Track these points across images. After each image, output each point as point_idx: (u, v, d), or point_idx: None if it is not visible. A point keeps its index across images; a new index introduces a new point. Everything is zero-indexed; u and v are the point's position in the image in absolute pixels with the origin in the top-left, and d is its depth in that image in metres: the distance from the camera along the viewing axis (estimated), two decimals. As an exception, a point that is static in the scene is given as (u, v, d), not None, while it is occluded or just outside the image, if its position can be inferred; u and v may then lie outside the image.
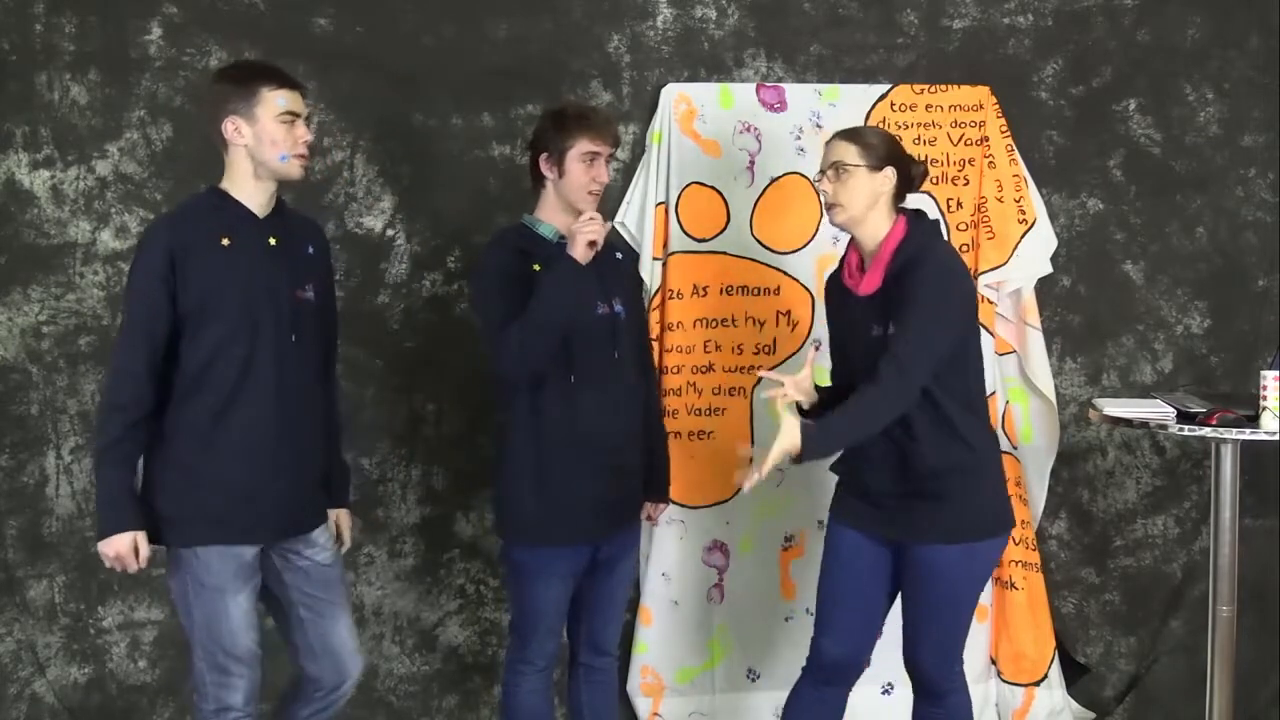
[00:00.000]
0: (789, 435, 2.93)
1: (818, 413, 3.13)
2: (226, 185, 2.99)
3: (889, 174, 3.08)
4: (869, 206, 3.08)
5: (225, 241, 2.91)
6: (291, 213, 3.12)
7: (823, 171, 3.12)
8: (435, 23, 3.95)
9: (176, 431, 2.91)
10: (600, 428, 3.24)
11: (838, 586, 3.20)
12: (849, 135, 3.14)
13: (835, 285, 3.25)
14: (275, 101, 2.93)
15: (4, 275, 3.79)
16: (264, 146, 2.93)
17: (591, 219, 3.15)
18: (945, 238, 3.23)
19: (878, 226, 3.10)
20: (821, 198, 3.16)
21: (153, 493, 2.93)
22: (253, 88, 2.92)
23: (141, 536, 2.89)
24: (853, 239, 3.16)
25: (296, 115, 2.95)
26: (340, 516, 3.25)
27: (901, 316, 2.97)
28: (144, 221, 3.82)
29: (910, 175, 3.14)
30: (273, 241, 2.98)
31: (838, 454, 3.20)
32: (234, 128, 2.93)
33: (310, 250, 3.09)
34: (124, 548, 2.88)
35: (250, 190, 2.97)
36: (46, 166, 3.80)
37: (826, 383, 3.27)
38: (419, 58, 3.94)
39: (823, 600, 3.24)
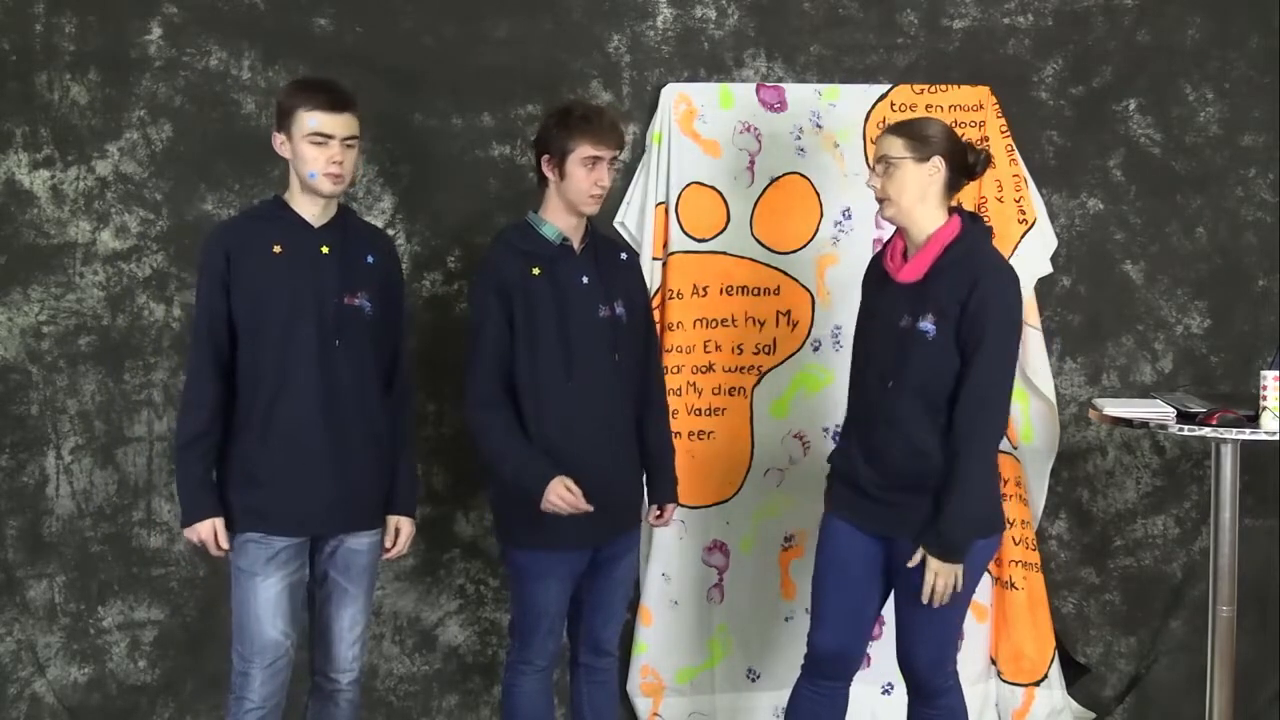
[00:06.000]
0: (943, 571, 3.01)
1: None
2: (286, 195, 3.14)
3: (936, 164, 3.08)
4: (918, 199, 3.08)
5: (277, 249, 3.06)
6: (356, 223, 3.26)
7: (871, 167, 3.13)
8: (435, 23, 3.95)
9: (232, 427, 3.07)
10: (599, 431, 3.24)
11: (831, 578, 3.19)
12: (896, 129, 3.14)
13: (875, 269, 3.25)
14: (307, 123, 3.03)
15: (4, 275, 3.78)
16: (298, 162, 3.06)
17: (570, 496, 3.13)
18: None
19: (927, 219, 3.09)
20: (873, 193, 3.14)
21: (219, 483, 3.10)
22: (292, 106, 3.06)
23: (220, 523, 3.05)
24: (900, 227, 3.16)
25: (328, 137, 3.03)
26: (401, 524, 3.26)
27: (981, 351, 2.97)
28: (144, 221, 3.83)
29: (967, 164, 3.13)
30: (325, 250, 3.09)
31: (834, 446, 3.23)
32: (280, 142, 3.09)
33: (370, 259, 3.18)
34: (205, 533, 3.05)
35: (300, 200, 3.11)
36: (46, 166, 3.80)
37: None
38: (419, 58, 3.93)
39: (816, 592, 3.24)
